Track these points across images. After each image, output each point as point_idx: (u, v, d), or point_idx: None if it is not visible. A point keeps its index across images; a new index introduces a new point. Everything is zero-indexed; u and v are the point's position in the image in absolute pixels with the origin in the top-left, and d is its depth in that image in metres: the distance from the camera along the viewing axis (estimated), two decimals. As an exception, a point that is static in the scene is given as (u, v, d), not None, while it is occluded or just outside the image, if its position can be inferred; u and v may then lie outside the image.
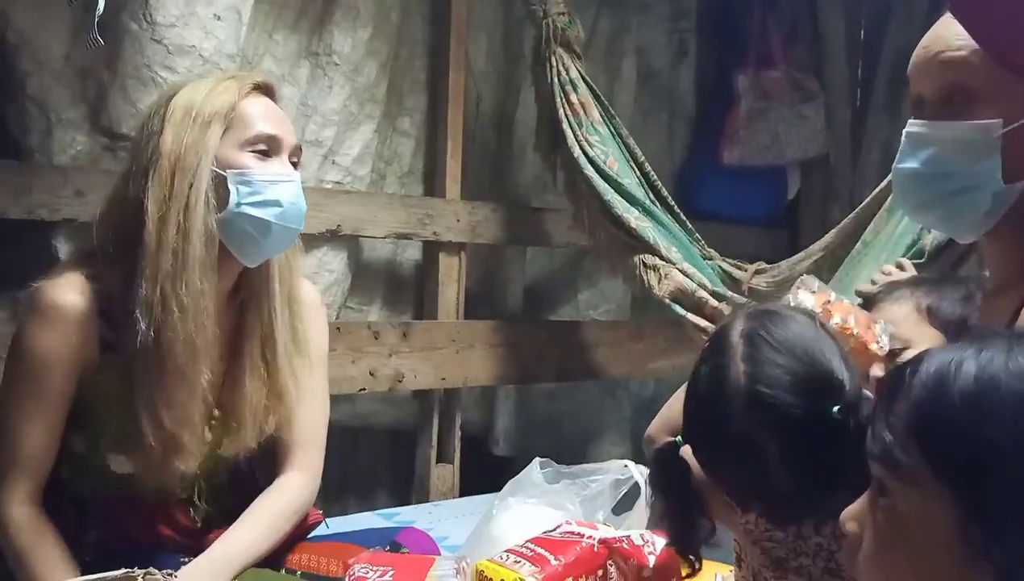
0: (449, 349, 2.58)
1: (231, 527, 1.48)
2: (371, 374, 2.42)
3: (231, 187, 1.41)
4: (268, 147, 1.45)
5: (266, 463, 1.59)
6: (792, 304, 1.23)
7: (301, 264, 1.59)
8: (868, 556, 0.78)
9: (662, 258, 2.36)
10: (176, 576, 1.31)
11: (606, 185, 2.40)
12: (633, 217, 2.39)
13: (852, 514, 0.81)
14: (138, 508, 1.48)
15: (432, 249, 2.60)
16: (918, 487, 0.72)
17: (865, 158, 3.46)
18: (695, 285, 2.34)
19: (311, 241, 2.30)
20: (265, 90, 1.51)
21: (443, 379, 2.58)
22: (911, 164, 1.20)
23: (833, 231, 2.39)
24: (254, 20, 2.12)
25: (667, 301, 2.33)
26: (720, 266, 2.53)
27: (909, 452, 0.73)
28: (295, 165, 1.50)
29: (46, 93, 1.91)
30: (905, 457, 0.73)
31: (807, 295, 1.30)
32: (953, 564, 0.70)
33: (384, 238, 2.49)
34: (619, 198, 2.40)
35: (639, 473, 2.06)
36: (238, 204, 1.41)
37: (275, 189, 1.44)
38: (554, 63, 2.46)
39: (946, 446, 0.71)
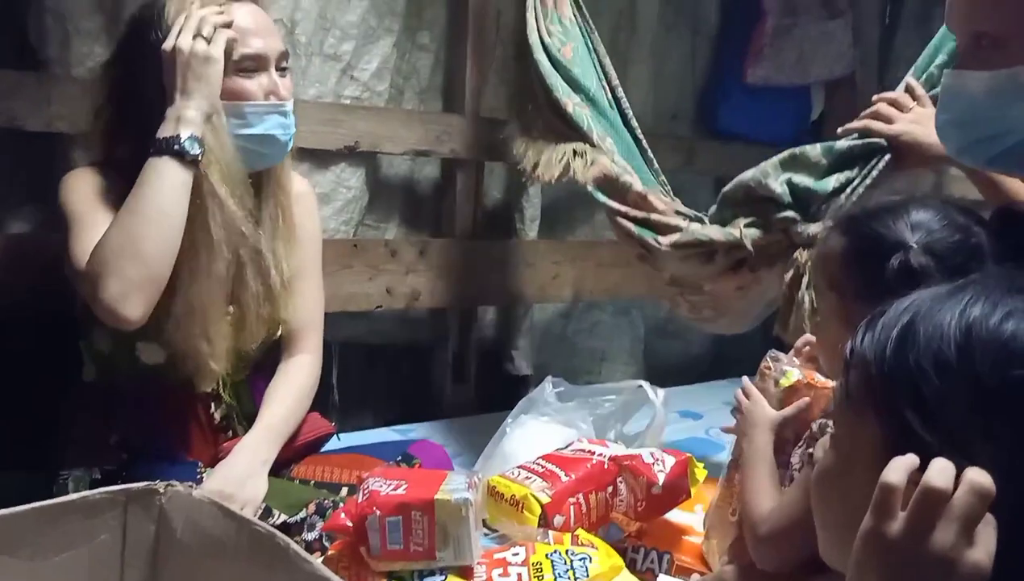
0: (466, 268, 2.59)
1: (262, 411, 1.56)
2: (388, 291, 2.43)
3: (224, 116, 1.42)
4: (256, 65, 1.45)
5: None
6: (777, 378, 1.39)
7: (288, 159, 1.60)
8: (815, 475, 0.81)
9: (593, 145, 2.15)
10: (196, 487, 1.35)
11: (552, 69, 2.20)
12: (573, 102, 2.18)
13: (825, 441, 0.84)
14: (165, 401, 1.52)
15: (450, 167, 2.58)
16: (855, 412, 0.73)
17: (892, 78, 3.38)
18: (620, 169, 2.13)
19: (328, 158, 2.29)
20: None
21: (460, 298, 2.60)
22: (947, 113, 1.26)
23: None
24: (271, -70, 2.08)
25: (589, 188, 2.13)
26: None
27: (858, 378, 0.74)
28: (284, 72, 1.50)
29: (63, 3, 1.88)
30: (856, 383, 0.74)
31: (792, 368, 1.41)
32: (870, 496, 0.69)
33: (402, 155, 2.47)
34: (562, 83, 2.19)
35: (654, 393, 2.08)
36: (230, 134, 1.43)
37: (265, 122, 1.45)
38: None
39: (883, 374, 0.71)
